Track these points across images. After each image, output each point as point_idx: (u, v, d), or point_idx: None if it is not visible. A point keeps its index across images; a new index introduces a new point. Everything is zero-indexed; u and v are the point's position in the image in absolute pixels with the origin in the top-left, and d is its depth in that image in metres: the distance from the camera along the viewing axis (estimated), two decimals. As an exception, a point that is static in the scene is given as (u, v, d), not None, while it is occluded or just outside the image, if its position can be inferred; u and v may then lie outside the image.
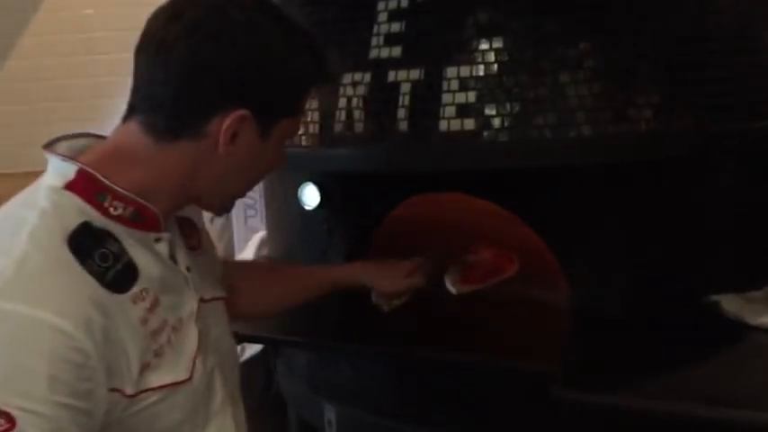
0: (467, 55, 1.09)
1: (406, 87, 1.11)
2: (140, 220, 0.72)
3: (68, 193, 0.70)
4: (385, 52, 1.13)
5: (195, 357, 0.76)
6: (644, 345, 1.14)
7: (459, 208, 1.55)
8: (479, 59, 1.08)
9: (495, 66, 1.08)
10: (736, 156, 1.23)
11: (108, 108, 2.01)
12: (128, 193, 0.71)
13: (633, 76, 1.08)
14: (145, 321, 0.71)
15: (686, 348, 1.11)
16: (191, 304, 0.78)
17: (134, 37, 0.73)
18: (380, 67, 1.13)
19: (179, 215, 0.82)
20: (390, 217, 1.52)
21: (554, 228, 1.23)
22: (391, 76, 1.12)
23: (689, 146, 1.13)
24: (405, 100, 1.10)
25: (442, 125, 1.08)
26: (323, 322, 1.36)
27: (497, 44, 1.09)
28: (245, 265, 1.24)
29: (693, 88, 1.11)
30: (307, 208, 1.46)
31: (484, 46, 1.09)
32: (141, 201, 0.72)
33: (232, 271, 1.01)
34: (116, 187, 0.71)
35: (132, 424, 0.71)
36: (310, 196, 1.45)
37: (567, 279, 1.26)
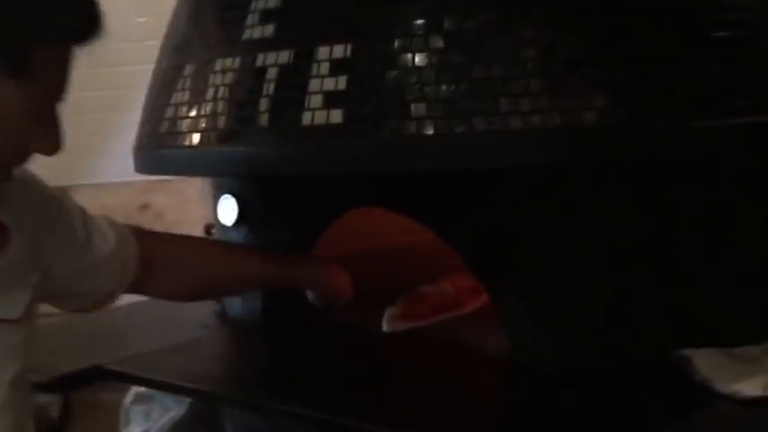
0: (344, 32, 0.86)
1: (272, 73, 0.89)
2: None
3: None
4: (258, 32, 0.93)
5: None
6: (574, 414, 0.86)
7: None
8: (360, 37, 0.86)
9: (383, 44, 0.85)
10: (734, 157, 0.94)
11: (125, 121, 1.90)
12: None
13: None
14: None
15: (626, 420, 0.83)
16: None
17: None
18: (250, 49, 0.92)
19: None
20: (327, 237, 1.30)
21: (481, 251, 0.98)
22: (260, 60, 0.91)
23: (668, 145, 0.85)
24: (269, 88, 0.89)
25: (306, 118, 0.85)
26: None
27: (387, 18, 0.86)
28: (171, 238, 1.08)
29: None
30: (226, 224, 1.27)
31: (368, 20, 0.86)
32: None
33: (150, 243, 0.92)
34: None
35: None
36: (226, 211, 1.26)
37: (499, 319, 1.00)
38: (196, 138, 0.95)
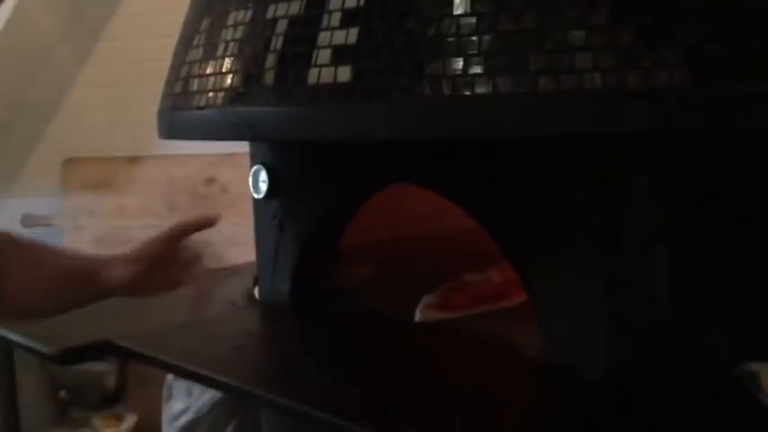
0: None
1: (282, 25, 0.80)
2: None
3: None
4: (272, -20, 0.83)
5: None
6: (613, 429, 0.73)
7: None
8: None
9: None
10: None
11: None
12: None
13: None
14: None
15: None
16: None
17: None
18: (263, 0, 0.83)
19: None
20: (374, 220, 1.21)
21: (514, 235, 0.85)
22: (270, 11, 0.81)
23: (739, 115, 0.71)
24: (277, 42, 0.79)
25: (312, 76, 0.75)
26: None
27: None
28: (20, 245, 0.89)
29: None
30: (257, 197, 1.19)
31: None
32: None
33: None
34: None
35: None
36: (258, 183, 1.18)
37: (536, 317, 0.88)
38: (204, 99, 0.87)
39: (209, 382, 0.88)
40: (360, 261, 1.27)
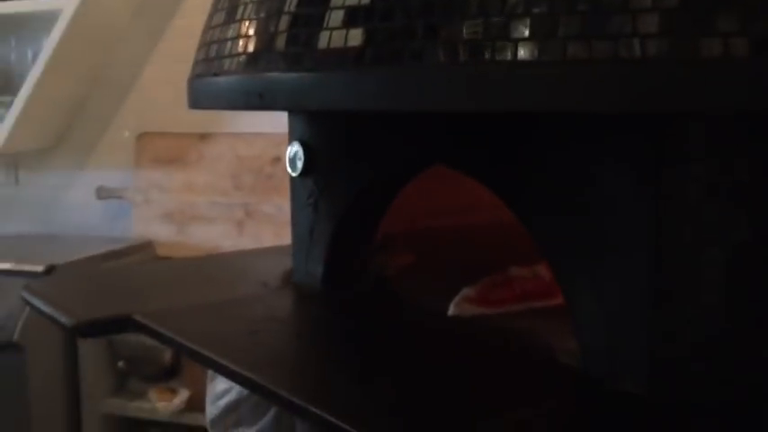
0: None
1: (297, -16, 0.73)
2: None
3: None
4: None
5: None
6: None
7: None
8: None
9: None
10: None
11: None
12: None
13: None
14: None
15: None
16: None
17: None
18: (282, -42, 0.77)
19: None
20: (416, 204, 1.14)
21: (552, 232, 0.76)
22: (288, -31, 0.75)
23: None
24: (291, 3, 0.73)
25: (322, 40, 0.68)
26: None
27: None
28: None
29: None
30: (293, 175, 1.14)
31: None
32: None
33: None
34: None
35: None
36: (293, 160, 1.12)
37: (571, 322, 0.78)
38: (221, 65, 0.82)
39: (215, 366, 0.83)
40: (400, 248, 1.20)
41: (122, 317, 1.00)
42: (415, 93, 0.62)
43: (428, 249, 1.19)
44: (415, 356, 0.87)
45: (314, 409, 0.65)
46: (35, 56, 2.39)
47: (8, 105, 2.39)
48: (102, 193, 2.59)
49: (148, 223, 2.51)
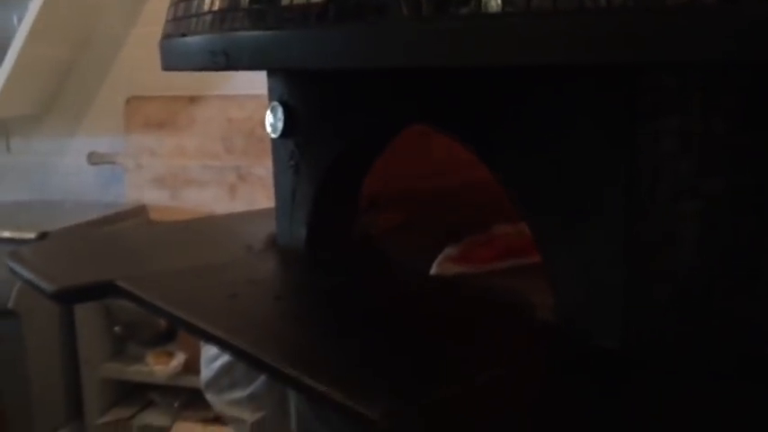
0: None
1: (263, -64, 0.71)
2: None
3: None
4: None
5: None
6: (634, 410, 0.63)
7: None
8: None
9: None
10: None
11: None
12: None
13: None
14: None
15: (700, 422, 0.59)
16: None
17: None
18: None
19: None
20: (404, 164, 1.13)
21: (525, 186, 0.75)
22: None
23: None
24: (258, -44, 0.71)
25: (287, -6, 0.67)
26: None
27: None
28: None
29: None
30: (273, 136, 1.12)
31: None
32: None
33: None
34: None
35: None
36: (273, 121, 1.11)
37: (547, 278, 0.77)
38: (188, 24, 0.80)
39: (192, 330, 0.83)
40: (388, 208, 1.19)
41: (104, 283, 0.99)
42: (378, 49, 0.60)
43: (417, 209, 1.18)
44: (393, 317, 0.87)
45: (280, 367, 0.65)
46: (20, 20, 2.36)
47: (-5, 71, 2.37)
48: (94, 159, 2.58)
49: (141, 188, 2.50)
